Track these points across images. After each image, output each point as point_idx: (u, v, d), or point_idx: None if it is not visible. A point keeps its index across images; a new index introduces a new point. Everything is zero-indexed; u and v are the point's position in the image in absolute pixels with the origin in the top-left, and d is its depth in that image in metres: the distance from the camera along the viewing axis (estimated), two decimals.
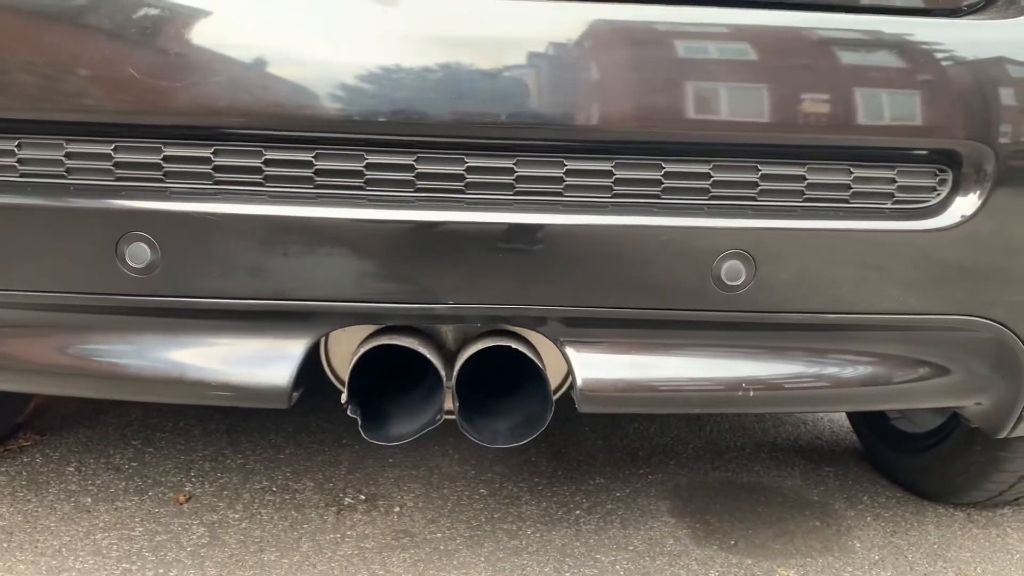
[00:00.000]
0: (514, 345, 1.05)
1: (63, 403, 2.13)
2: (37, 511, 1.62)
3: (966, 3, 1.04)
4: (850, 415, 2.10)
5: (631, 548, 1.56)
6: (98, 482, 1.75)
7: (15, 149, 0.98)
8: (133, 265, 0.97)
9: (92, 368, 1.05)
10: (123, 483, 1.74)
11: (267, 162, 0.96)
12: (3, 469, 1.78)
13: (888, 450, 1.89)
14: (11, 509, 1.63)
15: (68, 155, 0.97)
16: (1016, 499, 1.67)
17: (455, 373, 1.07)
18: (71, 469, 1.80)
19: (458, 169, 0.97)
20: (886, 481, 1.89)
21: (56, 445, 1.91)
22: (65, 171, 0.98)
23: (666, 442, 2.06)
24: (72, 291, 1.00)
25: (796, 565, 1.53)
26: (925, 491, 1.79)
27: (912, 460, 1.80)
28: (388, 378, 1.14)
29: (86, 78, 0.94)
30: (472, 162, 0.97)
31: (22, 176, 0.98)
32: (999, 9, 1.04)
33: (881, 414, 1.87)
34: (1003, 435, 1.19)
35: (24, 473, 1.77)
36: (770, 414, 2.25)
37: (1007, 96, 1.01)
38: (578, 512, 1.68)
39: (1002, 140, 1.00)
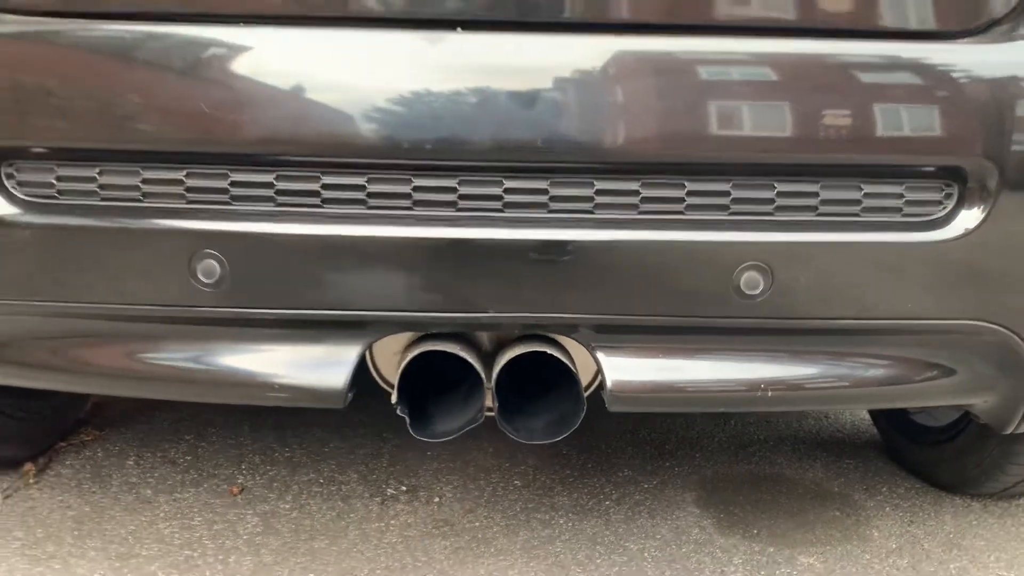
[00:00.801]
0: (549, 351, 1.14)
1: (119, 400, 2.25)
2: (102, 502, 1.74)
3: (971, 27, 1.10)
4: (871, 411, 2.16)
5: (658, 536, 1.65)
6: (156, 475, 1.86)
7: (96, 176, 1.08)
8: (204, 280, 1.07)
9: (167, 373, 1.16)
10: (179, 476, 1.86)
11: (324, 186, 1.06)
12: (68, 463, 1.91)
13: (907, 443, 1.96)
14: (79, 500, 1.75)
15: (144, 181, 1.08)
16: None
17: (495, 375, 1.17)
18: (130, 463, 1.92)
19: (497, 190, 1.06)
20: (905, 473, 1.96)
21: (115, 440, 2.03)
22: (141, 195, 1.08)
23: (692, 436, 2.14)
24: (149, 304, 1.10)
25: (816, 553, 1.62)
26: (942, 483, 1.86)
27: (930, 453, 1.87)
28: (432, 380, 1.23)
29: (160, 112, 1.04)
30: (509, 184, 1.06)
31: (103, 200, 1.09)
32: (1002, 33, 1.11)
33: (900, 409, 1.94)
34: (1009, 431, 1.27)
35: (88, 467, 1.89)
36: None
37: (1010, 115, 1.08)
38: (608, 503, 1.77)
39: (1004, 157, 1.08)
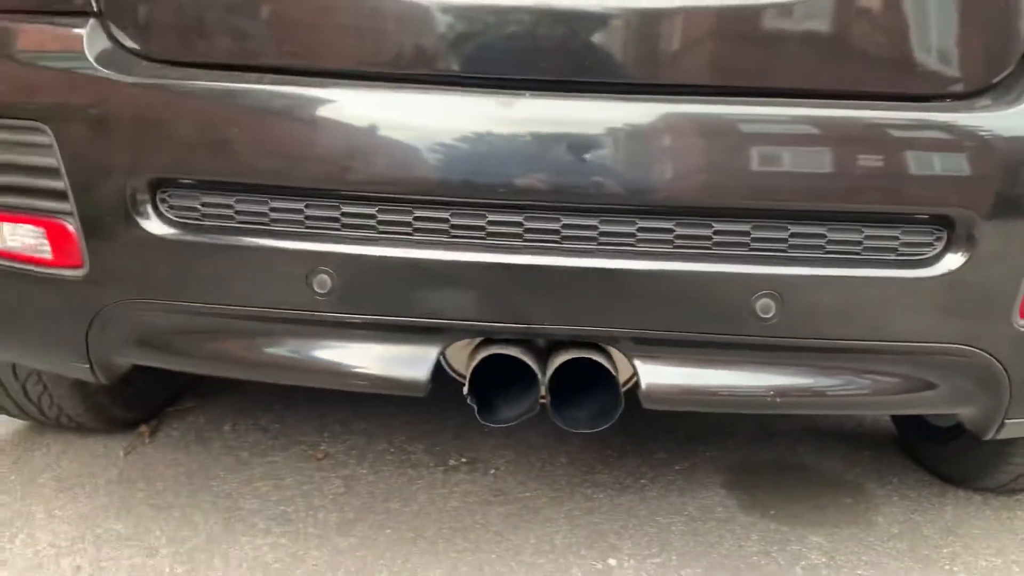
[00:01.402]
0: (595, 357, 1.38)
1: None
2: (207, 461, 2.03)
3: (959, 92, 1.29)
4: None
5: (686, 513, 1.88)
6: (250, 439, 2.15)
7: (233, 203, 1.34)
8: (318, 290, 1.33)
9: (285, 363, 1.43)
10: (270, 441, 2.15)
11: (416, 218, 1.30)
12: (175, 426, 2.21)
13: (920, 439, 2.16)
14: (187, 458, 2.04)
15: (272, 209, 1.33)
16: None
17: (548, 375, 1.41)
18: (227, 427, 2.21)
19: (555, 226, 1.29)
20: (916, 467, 2.16)
21: (213, 407, 2.32)
22: (269, 220, 1.34)
23: (723, 425, 2.36)
24: (273, 307, 1.36)
25: (825, 533, 1.84)
26: (947, 476, 2.06)
27: (938, 449, 2.07)
28: (496, 375, 1.48)
29: (286, 156, 1.29)
30: (566, 220, 1.29)
31: (238, 223, 1.35)
32: (990, 99, 1.29)
33: None
34: (988, 437, 1.46)
35: (192, 430, 2.19)
36: None
37: (991, 172, 1.28)
38: (643, 482, 2.01)
39: (985, 209, 1.27)
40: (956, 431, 1.97)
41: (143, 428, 2.15)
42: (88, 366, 1.51)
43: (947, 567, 1.74)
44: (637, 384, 1.40)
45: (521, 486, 1.97)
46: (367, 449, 2.12)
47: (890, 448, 2.26)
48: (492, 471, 2.03)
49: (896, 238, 1.31)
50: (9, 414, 2.02)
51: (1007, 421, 1.43)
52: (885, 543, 1.81)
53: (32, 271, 1.43)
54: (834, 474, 2.11)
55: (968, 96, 1.29)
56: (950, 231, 1.30)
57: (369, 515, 1.82)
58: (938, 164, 1.29)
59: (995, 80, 1.29)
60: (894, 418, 2.32)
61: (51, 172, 1.35)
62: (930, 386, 1.41)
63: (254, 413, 2.29)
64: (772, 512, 1.91)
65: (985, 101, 1.29)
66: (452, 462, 2.07)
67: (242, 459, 2.05)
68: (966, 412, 1.46)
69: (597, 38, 1.26)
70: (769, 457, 2.18)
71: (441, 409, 2.34)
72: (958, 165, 1.29)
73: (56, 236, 1.40)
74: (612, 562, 1.69)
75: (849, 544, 1.80)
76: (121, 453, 2.05)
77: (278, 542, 1.71)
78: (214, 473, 1.98)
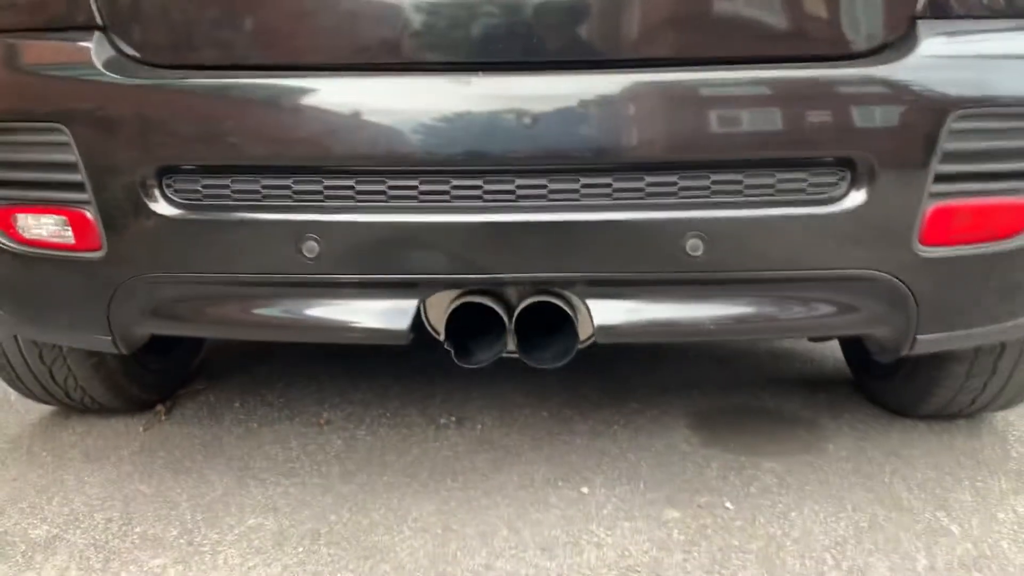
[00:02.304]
0: (551, 300, 1.58)
1: (223, 356, 2.76)
2: (219, 433, 2.23)
3: (858, 52, 1.49)
4: (844, 352, 2.56)
5: (653, 449, 2.08)
6: (259, 413, 2.35)
7: (229, 184, 1.54)
8: (307, 255, 1.52)
9: (281, 322, 1.63)
10: (276, 413, 2.34)
11: (389, 187, 1.50)
12: (188, 405, 2.41)
13: (867, 377, 2.36)
14: (201, 431, 2.24)
15: (263, 186, 1.53)
16: (959, 410, 2.12)
17: (514, 320, 1.61)
18: (236, 404, 2.41)
19: (510, 186, 1.48)
20: (869, 404, 2.35)
21: (222, 388, 2.52)
22: (261, 197, 1.54)
23: (693, 378, 2.56)
24: (269, 272, 1.56)
25: (779, 460, 2.03)
26: (894, 408, 2.26)
27: (883, 384, 2.26)
28: (471, 326, 1.68)
29: (273, 140, 1.49)
30: (520, 181, 1.49)
31: (234, 200, 1.54)
32: (883, 56, 1.49)
33: (864, 349, 2.33)
34: (904, 353, 1.66)
35: (204, 408, 2.39)
36: (780, 352, 2.73)
37: (885, 118, 1.47)
38: (616, 428, 2.21)
39: (881, 150, 1.47)
40: (896, 365, 2.17)
41: (159, 407, 2.35)
42: (110, 338, 1.71)
43: (887, 480, 1.93)
44: (592, 323, 1.60)
45: (505, 437, 2.17)
46: (364, 415, 2.31)
47: (845, 389, 2.46)
48: (479, 427, 2.23)
49: (805, 180, 1.51)
50: (37, 399, 2.22)
51: (918, 337, 1.63)
52: (833, 465, 2.01)
53: (57, 255, 1.63)
54: (792, 413, 2.31)
55: (865, 55, 1.49)
56: (852, 171, 1.50)
57: (368, 467, 2.02)
58: (840, 114, 1.48)
59: (888, 40, 1.49)
60: (847, 360, 2.52)
61: (70, 167, 1.55)
62: (850, 309, 1.61)
63: (260, 391, 2.49)
64: (731, 446, 2.11)
65: (880, 59, 1.49)
66: (443, 421, 2.27)
67: (251, 429, 2.24)
68: (883, 332, 1.65)
69: (534, 23, 1.46)
70: (733, 402, 2.38)
71: (431, 378, 2.54)
72: (857, 114, 1.48)
73: (77, 223, 1.60)
74: (585, 490, 1.89)
75: (800, 468, 2.00)
76: (141, 429, 2.24)
77: (287, 491, 1.91)
78: (226, 441, 2.18)
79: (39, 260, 1.65)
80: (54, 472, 2.03)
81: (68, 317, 1.73)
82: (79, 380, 2.11)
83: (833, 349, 2.78)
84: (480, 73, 1.47)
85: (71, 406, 2.27)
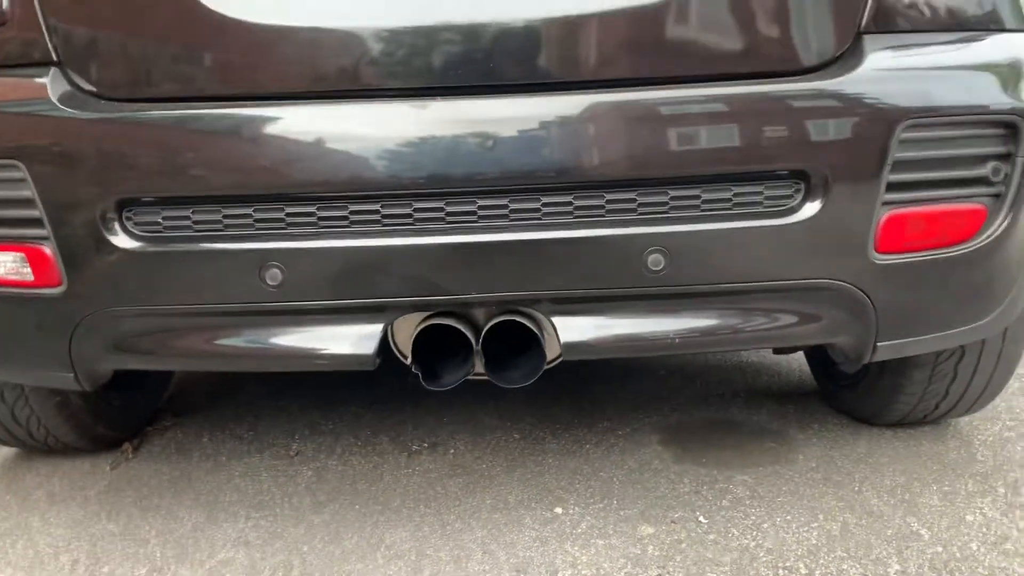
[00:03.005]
0: (517, 318, 1.59)
1: (190, 391, 2.73)
2: (188, 468, 2.20)
3: (807, 67, 1.53)
4: (810, 363, 2.59)
5: (626, 467, 2.09)
6: (227, 447, 2.32)
7: (190, 215, 1.54)
8: (271, 283, 1.52)
9: (247, 351, 1.62)
10: (246, 446, 2.32)
11: (351, 212, 1.50)
12: (156, 442, 2.37)
13: (835, 387, 2.38)
14: (170, 467, 2.21)
15: (224, 216, 1.52)
16: (924, 416, 2.15)
17: (480, 340, 1.61)
18: (205, 439, 2.38)
19: (472, 207, 1.50)
20: (836, 414, 2.37)
21: (190, 424, 2.49)
22: (223, 227, 1.53)
23: (662, 394, 2.58)
24: (233, 302, 1.56)
25: (750, 473, 2.05)
26: (861, 416, 2.29)
27: (849, 393, 2.29)
28: (438, 349, 1.68)
29: (234, 170, 1.49)
30: (481, 202, 1.50)
31: (195, 231, 1.54)
32: (831, 71, 1.53)
33: (829, 360, 2.36)
34: (866, 361, 1.68)
35: (172, 444, 2.36)
36: (747, 365, 2.76)
37: (836, 131, 1.51)
38: (588, 446, 2.21)
39: (833, 162, 1.50)
40: (860, 375, 2.20)
41: (126, 445, 2.31)
42: (73, 375, 1.69)
43: (857, 488, 1.95)
44: (559, 341, 1.60)
45: (478, 461, 2.16)
46: (335, 444, 2.30)
47: (813, 401, 2.49)
48: (451, 451, 2.22)
49: (761, 193, 1.53)
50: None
51: (878, 344, 1.66)
52: (803, 475, 2.03)
53: (16, 293, 1.61)
54: (761, 425, 2.33)
55: (813, 70, 1.53)
56: (807, 183, 1.53)
57: (339, 496, 2.00)
58: (791, 127, 1.52)
59: (835, 55, 1.53)
60: (812, 371, 2.55)
61: (27, 203, 1.53)
62: (811, 319, 1.64)
63: (228, 425, 2.47)
64: (703, 460, 2.12)
65: (827, 73, 1.52)
66: (415, 447, 2.26)
67: (220, 463, 2.22)
68: (845, 340, 1.68)
69: (491, 48, 1.48)
70: (702, 416, 2.39)
71: (402, 404, 2.53)
72: (808, 127, 1.52)
73: (36, 259, 1.58)
74: (559, 510, 1.89)
75: (771, 479, 2.01)
76: (108, 468, 2.21)
77: (258, 524, 1.89)
78: (195, 476, 2.15)
79: None
80: (18, 515, 1.99)
81: (29, 355, 1.71)
82: (42, 420, 2.08)
83: (799, 361, 2.82)
84: (439, 97, 1.49)
85: (35, 447, 2.22)
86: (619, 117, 1.49)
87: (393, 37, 1.49)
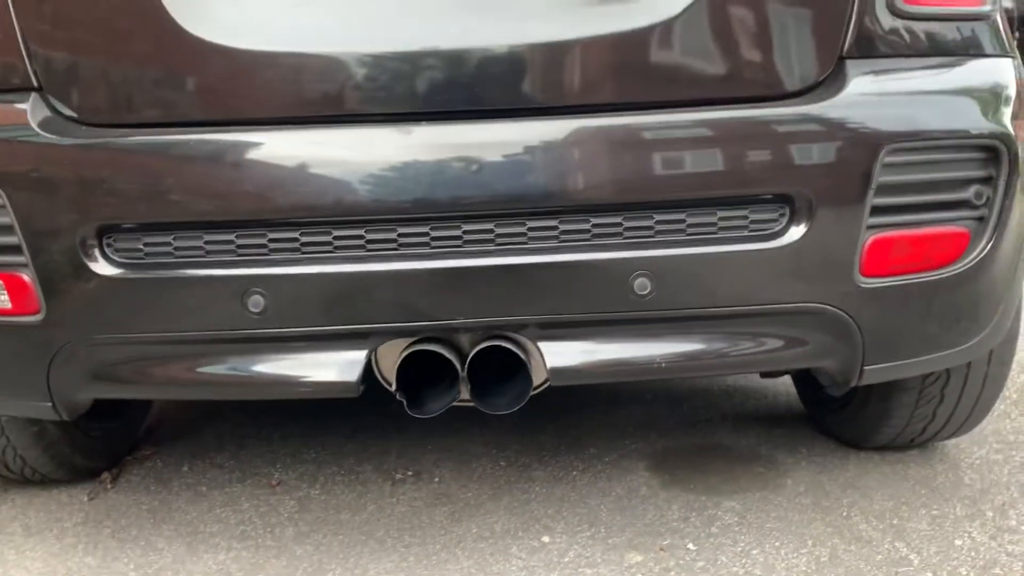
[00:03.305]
0: (502, 344, 1.57)
1: (170, 421, 2.69)
2: (168, 498, 2.16)
3: (790, 92, 1.53)
4: (797, 387, 2.58)
5: (613, 494, 2.07)
6: (208, 476, 2.28)
7: (171, 241, 1.52)
8: (253, 310, 1.50)
9: (229, 379, 1.59)
10: (227, 475, 2.28)
11: (335, 237, 1.49)
12: (135, 471, 2.33)
13: (823, 411, 2.38)
14: (149, 498, 2.17)
15: (206, 242, 1.51)
16: (912, 440, 2.15)
17: (466, 366, 1.60)
18: (185, 468, 2.34)
19: (457, 232, 1.49)
20: (824, 439, 2.36)
21: (170, 453, 2.45)
22: (205, 252, 1.51)
23: (650, 419, 2.56)
24: (215, 329, 1.54)
25: (738, 498, 2.03)
26: (849, 441, 2.28)
27: (837, 416, 2.28)
28: (423, 376, 1.66)
29: (214, 195, 1.47)
30: (466, 227, 1.49)
31: (176, 258, 1.52)
32: (814, 96, 1.54)
33: (817, 384, 2.36)
34: (853, 384, 1.68)
35: (151, 474, 2.32)
36: (735, 389, 2.75)
37: (820, 155, 1.52)
38: (575, 473, 2.19)
39: (818, 186, 1.50)
40: (847, 398, 2.20)
41: (105, 475, 2.27)
42: (51, 404, 1.66)
43: (845, 513, 1.94)
44: (545, 366, 1.59)
45: (463, 489, 2.14)
46: (318, 473, 2.26)
47: (801, 425, 2.48)
48: (436, 479, 2.20)
49: (746, 216, 1.53)
50: None
51: (865, 368, 1.65)
52: (792, 500, 2.01)
53: None
54: (749, 450, 2.32)
55: (796, 95, 1.54)
56: (791, 207, 1.53)
57: (323, 526, 1.97)
58: (775, 152, 1.53)
59: (818, 80, 1.54)
60: (800, 395, 2.54)
61: (6, 228, 1.51)
62: (798, 342, 1.63)
63: (209, 454, 2.43)
64: (691, 486, 2.10)
65: (810, 98, 1.53)
66: (399, 476, 2.23)
67: (200, 492, 2.18)
68: (831, 364, 1.67)
69: (474, 73, 1.48)
70: (690, 442, 2.38)
71: (386, 432, 2.50)
72: (792, 151, 1.53)
73: (13, 287, 1.55)
74: (546, 539, 1.87)
75: (760, 505, 2.00)
76: (85, 499, 2.16)
77: (240, 555, 1.85)
78: (175, 506, 2.11)
79: None
80: None
81: (6, 384, 1.68)
82: (18, 450, 2.04)
83: (787, 385, 2.81)
84: (424, 122, 1.48)
85: (10, 478, 2.18)
86: (604, 142, 1.50)
87: (377, 62, 1.49)
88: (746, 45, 1.54)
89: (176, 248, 1.52)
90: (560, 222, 1.50)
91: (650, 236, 1.51)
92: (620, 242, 1.51)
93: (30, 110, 1.51)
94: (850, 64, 1.53)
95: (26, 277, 1.54)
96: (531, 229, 1.50)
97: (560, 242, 1.51)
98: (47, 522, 2.05)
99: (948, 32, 1.56)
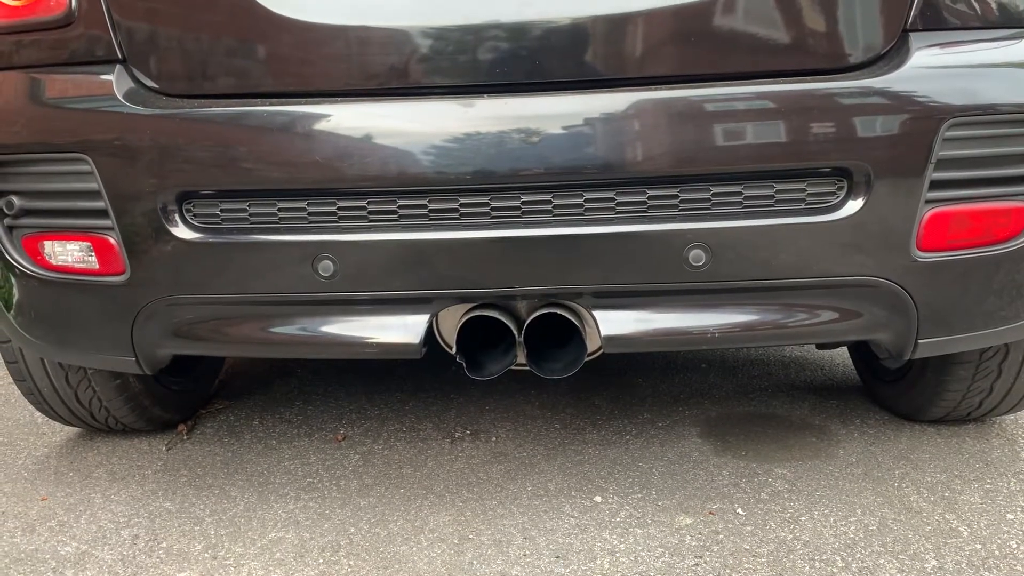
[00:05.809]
0: (558, 311, 1.63)
1: (241, 376, 2.82)
2: (240, 450, 2.28)
3: (852, 64, 1.53)
4: (853, 359, 2.58)
5: (665, 458, 2.12)
6: (277, 430, 2.40)
7: (247, 207, 1.60)
8: (323, 274, 1.58)
9: (300, 339, 1.68)
10: (295, 430, 2.39)
11: (400, 206, 1.55)
12: (209, 424, 2.46)
13: (878, 383, 2.38)
14: (223, 449, 2.29)
15: (279, 209, 1.59)
16: (967, 414, 2.14)
17: (523, 332, 1.66)
18: (256, 423, 2.46)
19: (516, 203, 1.54)
20: (879, 410, 2.37)
21: (241, 407, 2.58)
22: (278, 219, 1.59)
23: (703, 387, 2.60)
24: (287, 292, 1.62)
25: (790, 466, 2.06)
26: (903, 413, 2.28)
27: (892, 389, 2.29)
28: (481, 340, 1.73)
29: (288, 164, 1.55)
30: (525, 197, 1.54)
31: (252, 223, 1.60)
32: (876, 68, 1.53)
33: (873, 356, 2.36)
34: (907, 357, 1.69)
35: (224, 427, 2.44)
36: (790, 360, 2.76)
37: (880, 129, 1.52)
38: (628, 437, 2.25)
39: (877, 159, 1.51)
40: (903, 370, 2.20)
41: (181, 427, 2.41)
42: (134, 359, 1.77)
43: (897, 485, 1.96)
44: (600, 334, 1.64)
45: (519, 448, 2.21)
46: (381, 430, 2.36)
47: (855, 396, 2.49)
48: (493, 439, 2.27)
49: (803, 190, 1.55)
50: (63, 421, 2.28)
51: (920, 341, 1.66)
52: (843, 470, 2.04)
53: (82, 280, 1.70)
54: (802, 420, 2.34)
55: (858, 67, 1.54)
56: (849, 180, 1.54)
57: (385, 480, 2.07)
58: (835, 125, 1.53)
59: (881, 53, 1.53)
60: (856, 366, 2.55)
61: (93, 194, 1.61)
62: (852, 315, 1.65)
63: (279, 409, 2.54)
64: (743, 453, 2.14)
65: (873, 71, 1.53)
66: (457, 434, 2.31)
67: (270, 446, 2.30)
68: (885, 336, 1.69)
69: (536, 45, 1.51)
70: (744, 410, 2.41)
71: (446, 393, 2.59)
72: (852, 124, 1.52)
73: (101, 249, 1.66)
74: (598, 499, 1.93)
75: (811, 473, 2.02)
76: (164, 448, 2.30)
77: (307, 505, 1.96)
78: (247, 458, 2.23)
79: (65, 285, 1.72)
80: (81, 491, 2.08)
81: (93, 340, 1.79)
82: (103, 402, 2.17)
83: (843, 356, 2.81)
84: (485, 95, 1.53)
85: (96, 427, 2.33)
86: (664, 114, 1.52)
87: (441, 35, 1.53)
88: (808, 18, 1.54)
89: (251, 214, 1.60)
90: (617, 194, 1.54)
91: (706, 208, 1.54)
92: (676, 214, 1.54)
93: (115, 81, 1.60)
94: (913, 36, 1.52)
95: (112, 240, 1.65)
96: (588, 200, 1.55)
97: (616, 213, 1.55)
98: (129, 469, 2.19)
99: (1015, 3, 1.54)
